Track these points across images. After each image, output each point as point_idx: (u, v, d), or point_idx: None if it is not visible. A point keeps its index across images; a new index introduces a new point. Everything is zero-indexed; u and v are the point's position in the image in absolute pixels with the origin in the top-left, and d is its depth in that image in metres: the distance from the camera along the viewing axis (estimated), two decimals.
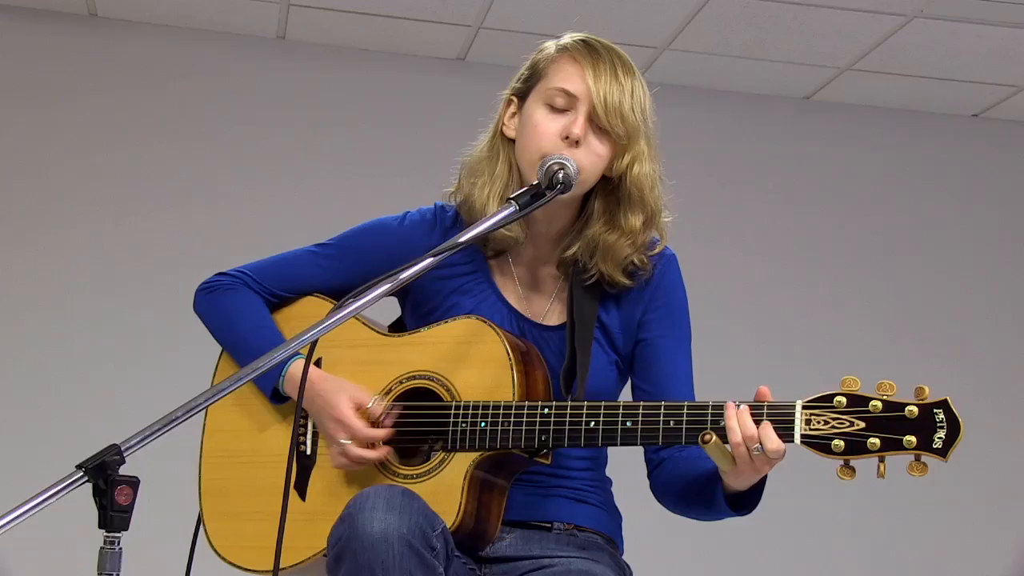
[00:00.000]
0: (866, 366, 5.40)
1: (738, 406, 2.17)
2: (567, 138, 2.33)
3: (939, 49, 5.18)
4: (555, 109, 2.36)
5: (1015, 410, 5.65)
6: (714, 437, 2.15)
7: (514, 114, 2.44)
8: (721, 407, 2.19)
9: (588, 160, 2.34)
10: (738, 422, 2.15)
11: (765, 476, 2.24)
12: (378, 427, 2.35)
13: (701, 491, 2.32)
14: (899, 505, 5.20)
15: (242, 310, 2.50)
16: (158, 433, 1.91)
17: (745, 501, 2.28)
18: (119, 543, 1.83)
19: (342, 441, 2.33)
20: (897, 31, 5.04)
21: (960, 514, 5.50)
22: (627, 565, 2.49)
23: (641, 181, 2.38)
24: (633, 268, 2.44)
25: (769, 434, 2.13)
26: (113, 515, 1.81)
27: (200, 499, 2.51)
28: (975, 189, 5.84)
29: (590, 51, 2.37)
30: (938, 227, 5.78)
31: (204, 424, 2.54)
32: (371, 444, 2.34)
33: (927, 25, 4.98)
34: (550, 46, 2.44)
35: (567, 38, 2.43)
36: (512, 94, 2.45)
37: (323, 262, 2.52)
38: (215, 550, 2.46)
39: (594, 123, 2.35)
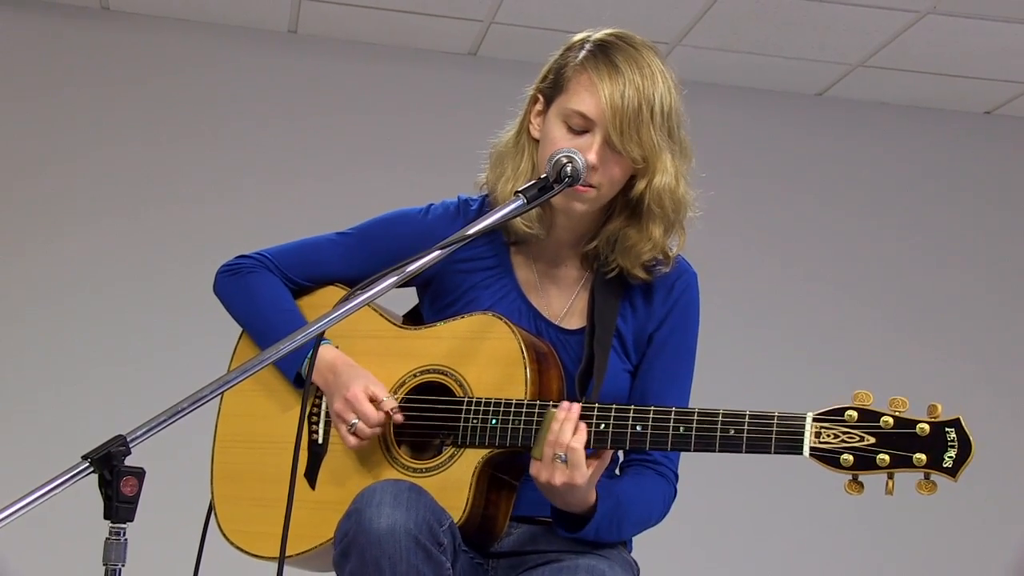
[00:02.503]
0: (877, 366, 5.42)
1: (574, 407, 2.22)
2: None
3: (952, 46, 5.17)
4: (573, 130, 2.34)
5: None
6: (555, 410, 2.24)
7: (540, 112, 2.42)
8: (734, 416, 2.18)
9: (605, 179, 2.34)
10: (560, 424, 2.22)
11: (594, 517, 2.28)
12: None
13: None
14: (902, 505, 5.17)
15: (266, 293, 2.51)
16: (164, 424, 1.91)
17: (570, 521, 2.32)
18: (124, 534, 1.83)
19: (352, 422, 2.33)
20: (910, 27, 5.03)
21: (964, 515, 5.47)
22: (635, 562, 2.48)
23: (661, 195, 2.37)
24: (653, 263, 2.45)
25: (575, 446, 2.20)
26: (118, 506, 1.81)
27: (212, 483, 2.51)
28: (988, 187, 5.82)
29: (609, 67, 2.33)
30: (950, 225, 5.76)
31: (219, 408, 2.54)
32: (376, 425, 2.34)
33: (940, 22, 4.96)
34: (575, 51, 2.39)
35: (591, 43, 2.38)
36: (538, 92, 2.44)
37: (343, 250, 2.52)
38: (224, 534, 2.47)
39: (611, 146, 2.33)
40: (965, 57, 5.27)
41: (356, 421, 2.33)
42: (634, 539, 2.51)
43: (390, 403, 2.35)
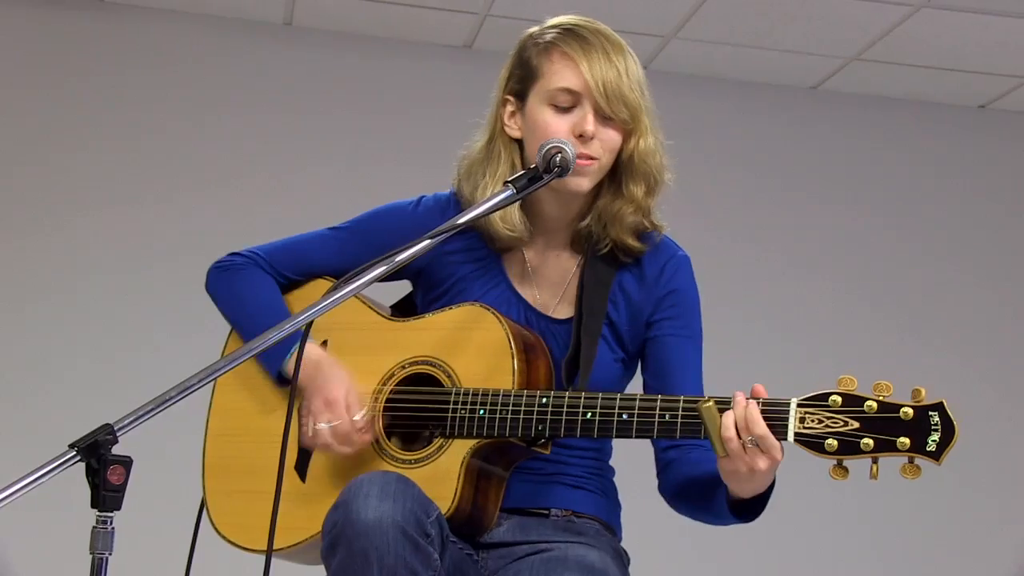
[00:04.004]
0: (869, 360, 5.44)
1: (751, 401, 2.15)
2: (581, 136, 2.34)
3: (946, 39, 5.17)
4: (560, 108, 2.36)
5: (1020, 405, 5.64)
6: (711, 403, 2.16)
7: (513, 113, 2.44)
8: (719, 401, 2.17)
9: (604, 149, 2.37)
10: (734, 419, 2.14)
11: (772, 487, 2.23)
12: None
13: (705, 494, 2.32)
14: (902, 502, 5.19)
15: (253, 290, 2.51)
16: (152, 413, 1.91)
17: (749, 507, 2.28)
18: (111, 522, 1.84)
19: (322, 424, 2.33)
20: (904, 21, 5.03)
21: (965, 513, 5.49)
22: (625, 551, 2.49)
23: (646, 155, 2.40)
24: (644, 230, 2.45)
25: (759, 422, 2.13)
26: (105, 494, 1.81)
27: (203, 477, 2.51)
28: (981, 180, 5.82)
29: (579, 40, 2.37)
30: (944, 218, 5.77)
31: (210, 403, 2.54)
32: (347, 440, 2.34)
33: (934, 15, 4.97)
34: (536, 40, 2.43)
35: (552, 29, 2.42)
36: (508, 94, 2.45)
37: (335, 245, 2.53)
38: (215, 528, 2.47)
39: (599, 113, 2.35)
40: (959, 51, 5.28)
41: (325, 426, 2.33)
42: (623, 527, 2.52)
43: (366, 418, 2.35)
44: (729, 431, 2.14)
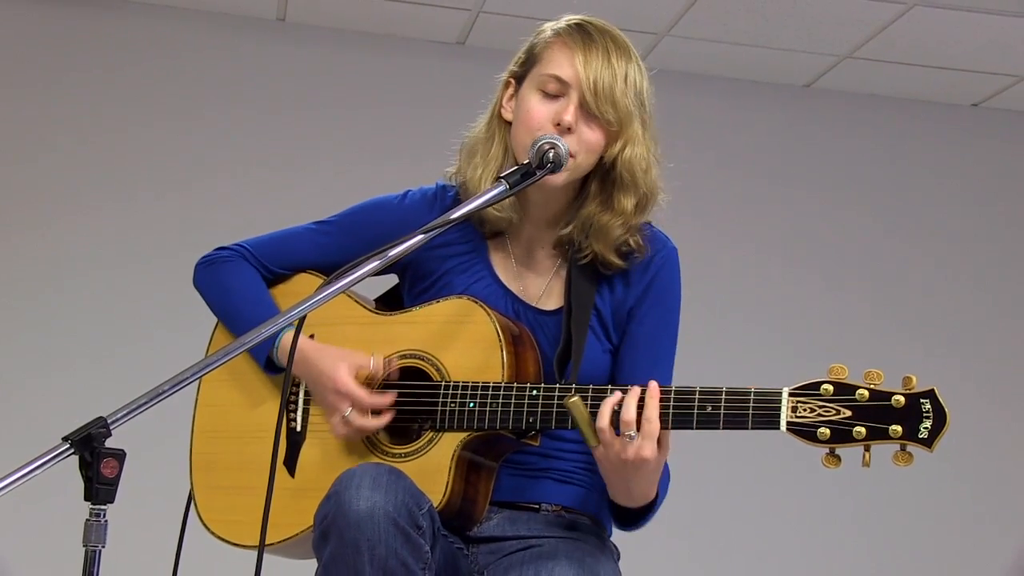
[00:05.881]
0: (862, 356, 5.43)
1: (634, 389, 2.18)
2: (559, 124, 2.34)
3: (939, 38, 5.18)
4: (548, 95, 2.37)
5: (1014, 403, 5.65)
6: (577, 397, 2.19)
7: (511, 96, 2.45)
8: (710, 392, 2.18)
9: (581, 146, 2.35)
10: (623, 402, 2.18)
11: (651, 507, 2.28)
12: (380, 389, 2.36)
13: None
14: (896, 501, 5.20)
15: (240, 284, 2.51)
16: (145, 407, 1.92)
17: (629, 517, 2.33)
18: (104, 515, 1.84)
19: (346, 412, 2.33)
20: (897, 19, 5.04)
21: (960, 510, 5.49)
22: (614, 546, 2.50)
23: (633, 164, 2.38)
24: (627, 249, 2.44)
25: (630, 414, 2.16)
26: (99, 487, 1.82)
27: (191, 473, 2.52)
28: (974, 179, 5.83)
29: (583, 36, 2.38)
30: (937, 217, 5.77)
31: (196, 398, 2.55)
32: (374, 412, 2.34)
33: (927, 13, 4.98)
34: (547, 29, 2.45)
35: (564, 21, 2.44)
36: (510, 77, 2.47)
37: (322, 239, 2.53)
38: (204, 524, 2.48)
39: (586, 109, 2.35)
40: (952, 49, 5.29)
41: (349, 410, 2.33)
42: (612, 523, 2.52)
43: (377, 361, 2.36)
44: (603, 420, 2.17)
